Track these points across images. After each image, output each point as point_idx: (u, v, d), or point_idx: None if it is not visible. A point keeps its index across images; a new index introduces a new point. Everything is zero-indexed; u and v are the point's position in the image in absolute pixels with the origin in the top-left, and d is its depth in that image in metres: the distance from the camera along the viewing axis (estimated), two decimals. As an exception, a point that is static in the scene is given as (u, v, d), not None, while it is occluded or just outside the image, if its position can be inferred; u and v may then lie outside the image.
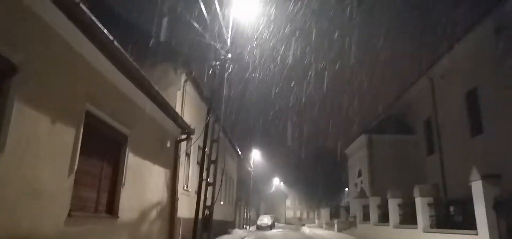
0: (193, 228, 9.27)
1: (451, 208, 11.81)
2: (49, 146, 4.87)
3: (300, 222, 64.38)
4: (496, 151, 13.37)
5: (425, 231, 12.25)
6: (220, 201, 19.06)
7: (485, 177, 9.10)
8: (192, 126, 11.17)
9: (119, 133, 7.19)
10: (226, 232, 22.15)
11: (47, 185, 4.82)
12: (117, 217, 7.05)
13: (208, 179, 9.59)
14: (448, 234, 10.83)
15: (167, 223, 10.13)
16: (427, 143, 20.44)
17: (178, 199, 10.82)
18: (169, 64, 11.97)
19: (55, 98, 5.00)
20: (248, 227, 36.12)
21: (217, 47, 9.39)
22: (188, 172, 12.75)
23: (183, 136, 11.12)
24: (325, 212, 36.72)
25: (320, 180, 47.44)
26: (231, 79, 10.33)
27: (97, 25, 5.21)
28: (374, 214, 17.94)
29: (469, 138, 15.86)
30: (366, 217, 19.42)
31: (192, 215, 9.51)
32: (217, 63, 9.50)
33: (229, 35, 9.49)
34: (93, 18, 5.06)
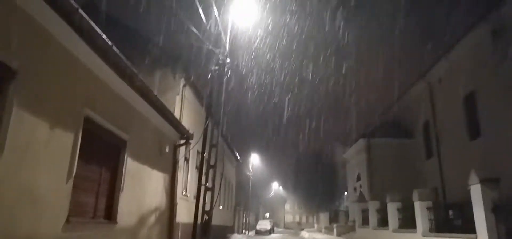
0: (192, 233, 9.23)
1: (450, 212, 11.82)
2: (47, 151, 4.86)
3: (299, 226, 64.30)
4: (494, 155, 13.40)
5: (424, 235, 12.25)
6: (219, 206, 19.02)
7: (483, 181, 9.12)
8: (191, 131, 11.16)
9: (117, 138, 7.18)
10: (225, 237, 22.09)
11: (45, 190, 4.81)
12: (116, 222, 7.03)
13: (207, 184, 9.56)
14: (448, 238, 10.83)
15: (166, 228, 10.10)
16: (426, 146, 20.47)
17: (177, 204, 10.79)
18: (168, 69, 11.98)
19: (54, 103, 5.00)
20: (247, 232, 36.02)
21: (216, 52, 9.40)
22: (187, 177, 12.73)
23: (182, 141, 11.11)
24: (324, 217, 36.71)
25: (319, 185, 47.37)
26: (230, 83, 10.33)
27: (96, 31, 5.22)
28: (373, 218, 17.93)
29: (467, 141, 15.90)
30: (365, 221, 19.40)
31: (191, 220, 9.47)
32: (216, 67, 9.50)
33: (227, 40, 9.50)
34: (92, 23, 5.07)
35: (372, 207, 18.20)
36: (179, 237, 11.02)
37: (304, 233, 36.96)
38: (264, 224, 42.10)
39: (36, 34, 4.57)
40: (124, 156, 7.41)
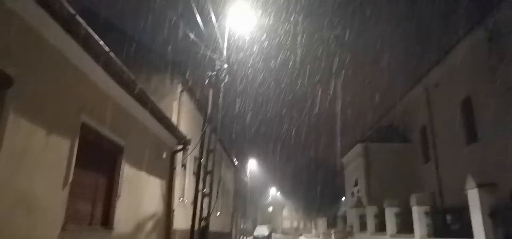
0: (190, 240, 9.18)
1: (448, 217, 11.82)
2: (44, 157, 4.83)
3: (297, 232, 64.07)
4: (491, 159, 13.44)
5: (422, 240, 12.24)
6: (217, 212, 18.94)
7: (480, 186, 9.13)
8: (188, 137, 11.13)
9: (114, 144, 7.15)
10: (222, 243, 21.98)
11: (41, 197, 4.77)
12: (112, 229, 6.98)
13: (205, 190, 9.53)
14: (446, 243, 10.83)
15: (163, 235, 10.04)
16: (423, 151, 20.52)
17: (174, 210, 10.74)
18: (165, 75, 11.97)
19: (50, 110, 4.98)
20: (245, 238, 35.88)
21: (213, 57, 9.41)
22: (184, 183, 12.68)
23: (179, 147, 11.08)
24: (322, 222, 36.60)
25: (317, 190, 47.36)
26: (228, 89, 10.33)
27: (93, 37, 5.22)
28: (371, 224, 17.90)
29: (464, 146, 15.94)
30: (363, 227, 19.37)
31: (188, 226, 9.42)
32: (213, 73, 9.50)
33: (225, 45, 9.51)
34: (89, 29, 5.06)
35: (370, 212, 18.18)
36: (176, 243, 10.95)
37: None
38: (262, 230, 41.94)
39: (33, 41, 4.56)
40: (121, 162, 7.38)
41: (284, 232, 69.80)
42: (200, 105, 14.00)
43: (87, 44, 5.26)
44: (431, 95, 19.25)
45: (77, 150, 5.56)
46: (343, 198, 40.53)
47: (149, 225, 9.02)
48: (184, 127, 12.05)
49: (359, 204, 21.12)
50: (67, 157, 5.36)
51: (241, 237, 34.61)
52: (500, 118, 13.27)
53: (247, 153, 38.24)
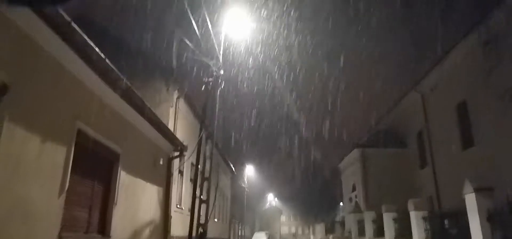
0: (187, 247, 9.12)
1: (446, 221, 11.81)
2: (39, 165, 4.80)
3: (295, 238, 63.86)
4: (488, 164, 13.46)
5: (420, 245, 12.22)
6: (214, 218, 18.86)
7: (478, 190, 9.14)
8: (185, 143, 11.10)
9: (111, 151, 7.12)
10: (220, 250, 21.85)
11: (37, 205, 4.73)
12: (109, 237, 6.93)
13: (202, 196, 9.49)
14: (444, 248, 10.81)
15: (160, 242, 9.98)
16: (420, 156, 20.54)
17: (171, 217, 10.68)
18: (162, 81, 11.97)
19: (46, 117, 4.95)
20: (242, 244, 35.71)
21: (209, 63, 9.41)
22: (181, 190, 12.63)
23: (176, 153, 11.05)
24: (320, 228, 36.57)
25: (314, 195, 47.31)
26: (224, 95, 10.33)
27: (89, 44, 5.21)
28: (369, 229, 17.86)
29: (460, 150, 15.97)
30: (361, 232, 19.32)
31: (185, 233, 9.37)
32: (210, 79, 9.50)
33: (221, 52, 9.52)
34: (85, 37, 5.05)
35: (368, 217, 18.15)
36: (173, 251, 10.88)
37: (300, 245, 36.71)
38: (259, 236, 41.77)
39: (28, 48, 4.54)
40: (117, 170, 7.35)
41: (283, 238, 69.56)
42: (197, 112, 13.98)
43: (82, 51, 5.25)
44: (427, 100, 19.31)
45: (73, 157, 5.53)
46: (341, 204, 40.50)
47: (146, 232, 8.96)
48: (181, 134, 12.03)
49: (357, 209, 21.09)
50: (63, 165, 5.32)
51: (239, 243, 34.43)
52: (496, 122, 13.32)
53: (245, 159, 38.17)
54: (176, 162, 11.18)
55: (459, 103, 16.14)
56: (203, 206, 9.50)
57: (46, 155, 4.92)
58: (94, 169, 6.68)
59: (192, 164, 12.72)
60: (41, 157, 4.82)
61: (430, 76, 18.27)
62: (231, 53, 9.93)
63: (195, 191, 9.42)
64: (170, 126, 11.30)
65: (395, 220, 15.02)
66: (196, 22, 8.42)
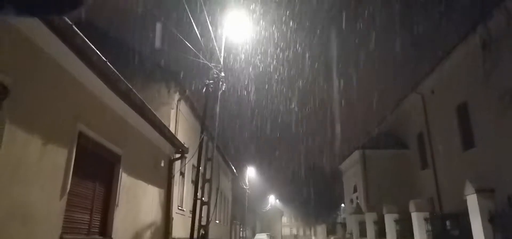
0: (188, 249, 9.13)
1: (447, 223, 11.81)
2: (40, 167, 4.81)
3: (297, 239, 63.76)
4: (489, 165, 13.45)
5: (422, 246, 12.21)
6: (215, 220, 18.85)
7: (479, 191, 9.14)
8: (186, 145, 11.11)
9: (112, 153, 7.12)
10: (221, 252, 21.83)
11: (38, 207, 4.74)
12: (111, 239, 6.94)
13: (203, 198, 9.50)
14: (445, 249, 10.80)
15: (161, 244, 9.97)
16: (421, 157, 20.53)
17: (172, 219, 10.68)
18: (163, 83, 11.98)
19: (47, 119, 4.96)
20: (244, 246, 35.66)
21: (211, 66, 9.43)
22: (183, 191, 12.63)
23: (177, 155, 11.05)
24: (321, 229, 36.55)
25: (316, 197, 47.20)
26: (225, 97, 10.36)
27: (90, 46, 5.22)
28: (370, 230, 17.86)
29: (461, 152, 15.96)
30: (362, 233, 19.31)
31: (187, 235, 9.38)
32: (211, 81, 9.52)
33: (222, 54, 9.54)
34: (86, 39, 5.06)
35: (369, 219, 18.14)
36: (175, 252, 10.87)
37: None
38: (261, 238, 41.72)
39: (29, 51, 4.55)
40: (119, 171, 7.35)
41: (284, 240, 69.48)
42: (198, 113, 13.99)
43: (83, 53, 5.25)
44: (427, 101, 19.32)
45: (74, 160, 5.54)
46: (342, 205, 40.45)
47: (148, 234, 8.97)
48: (182, 135, 12.04)
49: (358, 210, 21.08)
50: (64, 167, 5.33)
51: (240, 245, 34.40)
52: (497, 123, 13.31)
53: (246, 160, 38.17)
54: (177, 164, 11.19)
55: (459, 104, 16.14)
56: (204, 207, 9.51)
57: (47, 157, 4.93)
58: (95, 171, 6.69)
59: (193, 166, 12.73)
60: (42, 159, 4.83)
61: (431, 77, 18.29)
62: (232, 55, 9.96)
63: (196, 193, 9.43)
64: (171, 128, 11.31)
65: (396, 221, 15.01)
66: (197, 25, 8.44)
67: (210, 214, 9.58)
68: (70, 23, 4.65)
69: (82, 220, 6.22)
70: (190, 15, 7.98)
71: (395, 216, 15.09)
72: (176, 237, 10.93)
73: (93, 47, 5.28)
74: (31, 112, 4.62)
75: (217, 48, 9.40)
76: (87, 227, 6.35)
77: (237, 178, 30.76)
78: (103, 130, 6.56)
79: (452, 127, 16.61)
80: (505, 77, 12.49)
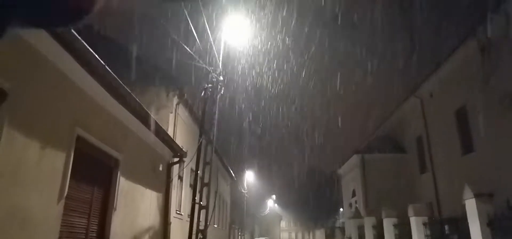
0: (186, 253, 9.09)
1: (446, 227, 11.79)
2: (38, 171, 4.79)
3: (295, 244, 63.58)
4: (487, 169, 13.45)
5: (420, 251, 12.19)
6: (214, 224, 18.79)
7: (478, 196, 9.14)
8: (184, 149, 11.10)
9: (110, 157, 7.11)
10: (220, 256, 21.74)
11: (35, 211, 4.72)
12: (108, 243, 6.90)
13: (201, 202, 9.47)
14: (444, 253, 10.78)
15: (159, 248, 9.94)
16: (420, 161, 20.52)
17: (170, 223, 10.64)
18: (161, 87, 11.97)
19: (45, 123, 4.95)
20: (242, 250, 35.53)
21: (209, 69, 9.43)
22: (181, 195, 12.60)
23: (176, 159, 11.03)
24: (320, 233, 36.50)
25: (314, 201, 47.13)
26: (224, 101, 10.35)
27: (88, 50, 5.21)
28: (369, 235, 17.81)
29: (460, 156, 15.97)
30: (361, 238, 19.26)
31: (185, 239, 9.35)
32: (209, 85, 9.52)
33: (220, 58, 9.55)
34: (84, 43, 5.06)
35: (368, 223, 18.10)
36: (173, 257, 10.83)
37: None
38: (259, 243, 41.60)
39: (27, 55, 4.55)
40: (117, 176, 7.33)
41: (282, 244, 69.31)
42: (196, 117, 13.98)
43: (82, 57, 5.25)
44: (426, 105, 19.34)
45: (72, 164, 5.52)
46: (341, 209, 40.40)
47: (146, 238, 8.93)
48: (180, 139, 12.03)
49: (357, 215, 21.03)
50: (62, 171, 5.31)
51: (239, 249, 34.28)
52: (496, 127, 13.32)
53: (244, 164, 38.10)
54: (175, 168, 11.16)
55: (458, 108, 16.16)
56: (203, 211, 9.49)
57: (46, 161, 4.91)
58: (94, 175, 6.66)
59: (191, 169, 12.70)
60: (40, 163, 4.81)
61: (429, 81, 18.31)
62: (231, 59, 9.97)
63: (195, 197, 9.40)
64: (170, 132, 11.29)
65: (395, 225, 14.98)
66: (196, 29, 8.45)
67: (209, 218, 9.55)
68: (69, 27, 4.64)
69: (80, 224, 6.19)
70: (188, 19, 7.99)
71: (394, 220, 15.07)
72: (174, 241, 10.89)
73: (92, 51, 5.28)
74: (29, 116, 4.61)
75: (215, 52, 9.40)
76: (85, 231, 6.32)
77: (235, 182, 30.70)
78: (101, 134, 6.55)
79: (451, 131, 16.62)
80: (505, 80, 12.52)
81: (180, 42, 8.72)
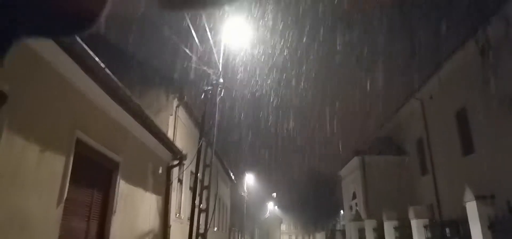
0: (186, 256, 9.05)
1: (447, 230, 11.75)
2: (38, 175, 4.77)
3: (296, 247, 63.44)
4: (488, 171, 13.43)
5: (421, 253, 12.15)
6: (214, 227, 18.74)
7: (479, 198, 9.11)
8: (184, 152, 11.07)
9: (110, 160, 7.08)
10: (220, 259, 21.68)
11: (34, 214, 4.69)
12: (108, 246, 6.87)
13: (201, 205, 9.44)
14: (445, 256, 10.74)
15: (159, 251, 9.90)
16: (420, 163, 20.51)
17: (170, 226, 10.61)
18: (161, 90, 11.96)
19: (45, 126, 4.93)
20: (242, 253, 35.44)
21: (209, 72, 9.42)
22: (181, 198, 12.56)
23: (175, 162, 11.00)
24: (320, 236, 36.40)
25: (315, 203, 47.03)
26: (224, 103, 10.34)
27: (88, 53, 5.20)
28: (370, 238, 17.76)
29: (461, 157, 15.95)
30: (362, 241, 19.22)
31: (185, 242, 9.32)
32: (209, 88, 9.51)
33: (220, 60, 9.54)
34: (84, 46, 5.05)
35: (369, 226, 18.06)
36: (173, 260, 10.79)
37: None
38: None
39: (27, 57, 4.53)
40: (116, 179, 7.31)
41: (282, 247, 69.17)
42: (196, 120, 13.96)
43: (82, 60, 5.24)
44: (426, 107, 19.34)
45: (72, 167, 5.50)
46: (342, 212, 40.31)
47: (145, 242, 8.89)
48: (180, 142, 12.00)
49: (357, 217, 20.99)
50: (61, 174, 5.29)
51: (239, 252, 34.19)
52: (495, 129, 13.32)
53: (245, 167, 38.04)
54: (175, 170, 11.14)
55: (458, 110, 16.16)
56: (203, 215, 9.46)
57: (45, 164, 4.89)
58: (93, 178, 6.64)
59: (191, 172, 12.67)
60: (40, 166, 4.79)
61: (430, 83, 18.32)
62: (231, 61, 9.96)
63: (195, 200, 9.38)
64: (170, 135, 11.27)
65: (396, 228, 14.94)
66: (196, 31, 8.45)
67: (208, 222, 9.52)
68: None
69: (79, 228, 6.16)
70: (189, 21, 7.99)
71: (395, 223, 15.04)
72: (174, 244, 10.85)
73: (92, 53, 5.26)
74: (28, 119, 4.60)
75: (215, 54, 9.40)
76: (84, 235, 6.30)
77: (236, 185, 30.65)
78: (101, 137, 6.53)
79: (451, 132, 16.61)
80: (505, 82, 12.52)
81: (180, 44, 8.71)
